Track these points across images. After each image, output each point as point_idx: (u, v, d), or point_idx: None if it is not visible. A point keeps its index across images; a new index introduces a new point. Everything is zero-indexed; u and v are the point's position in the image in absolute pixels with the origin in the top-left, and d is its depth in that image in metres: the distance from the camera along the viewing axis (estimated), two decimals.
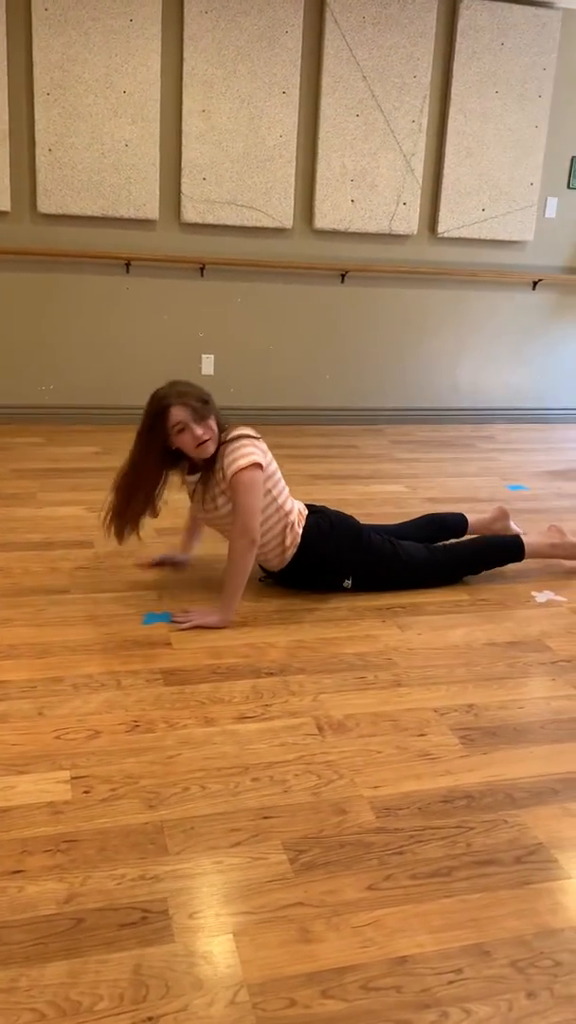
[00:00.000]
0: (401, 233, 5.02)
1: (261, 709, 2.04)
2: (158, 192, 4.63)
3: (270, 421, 5.11)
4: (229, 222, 4.75)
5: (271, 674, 2.21)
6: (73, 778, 1.74)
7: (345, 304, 5.13)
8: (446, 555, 2.80)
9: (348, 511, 3.49)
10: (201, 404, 2.44)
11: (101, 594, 2.63)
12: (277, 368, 5.12)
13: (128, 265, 4.70)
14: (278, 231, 4.88)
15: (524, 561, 2.89)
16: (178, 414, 2.40)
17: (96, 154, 4.48)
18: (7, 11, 4.25)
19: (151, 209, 4.63)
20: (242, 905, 1.45)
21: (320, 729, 1.97)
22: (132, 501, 2.47)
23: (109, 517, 2.50)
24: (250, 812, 1.67)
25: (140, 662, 2.23)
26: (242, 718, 2.00)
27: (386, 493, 3.84)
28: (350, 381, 5.26)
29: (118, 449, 4.25)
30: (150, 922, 1.40)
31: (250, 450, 2.46)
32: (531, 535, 2.95)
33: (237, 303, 4.95)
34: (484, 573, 2.88)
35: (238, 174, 4.69)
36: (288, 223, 4.84)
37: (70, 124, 4.42)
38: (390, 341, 5.26)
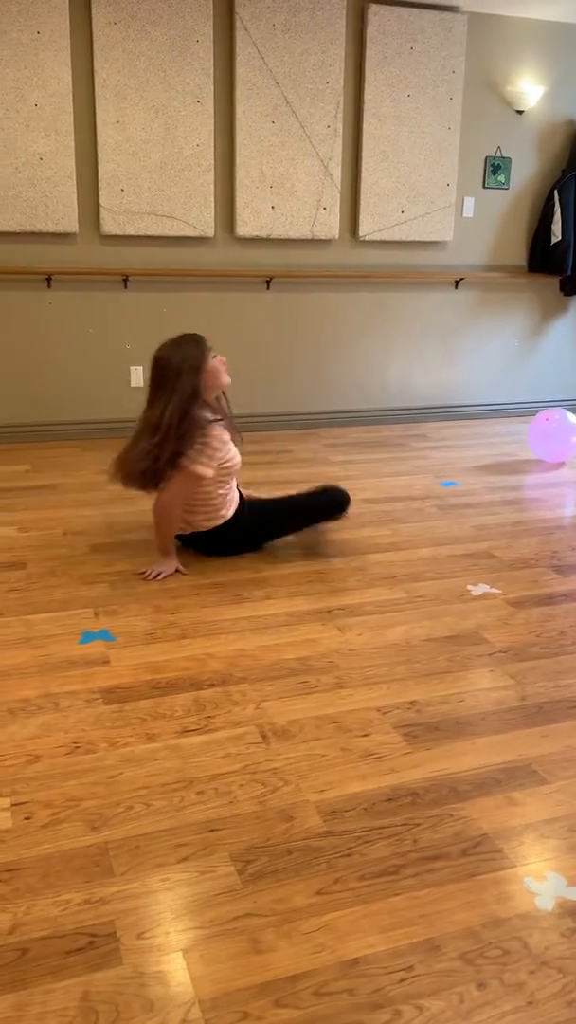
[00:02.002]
0: (323, 238, 5.06)
1: (204, 721, 2.02)
2: (76, 205, 4.57)
3: None
4: (150, 232, 4.72)
5: (213, 685, 2.19)
6: (13, 805, 1.70)
7: (271, 310, 5.14)
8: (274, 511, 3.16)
9: None
10: None
11: (35, 615, 2.58)
12: None
13: (49, 280, 4.63)
14: (200, 240, 4.87)
15: (455, 556, 3.01)
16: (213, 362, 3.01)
17: (10, 168, 4.41)
18: None
19: (70, 222, 4.57)
20: (191, 921, 1.43)
21: (264, 737, 1.96)
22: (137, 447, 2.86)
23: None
24: (196, 826, 1.66)
25: (78, 682, 2.20)
26: (185, 732, 1.98)
27: None
28: (281, 387, 5.27)
29: (48, 467, 4.20)
30: (97, 946, 1.37)
31: (205, 461, 2.84)
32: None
33: (163, 313, 4.92)
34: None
35: (156, 184, 4.66)
36: (210, 231, 4.83)
37: None
38: (318, 345, 5.29)
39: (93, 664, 2.29)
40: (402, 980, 1.32)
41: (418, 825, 1.67)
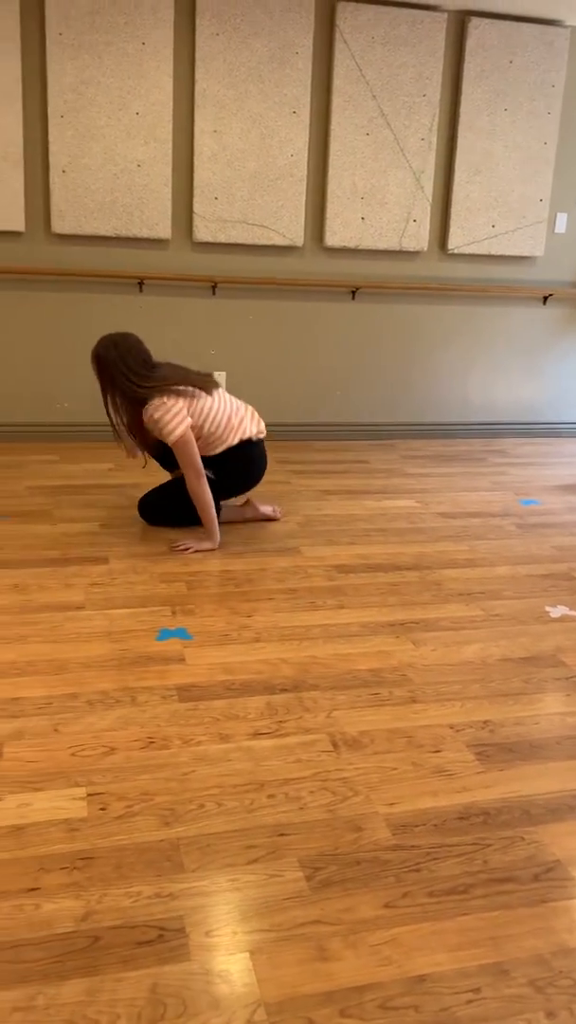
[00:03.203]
0: (411, 250, 5.05)
1: (275, 725, 2.04)
2: (170, 212, 4.67)
3: (280, 437, 5.13)
4: (240, 240, 4.79)
5: (285, 690, 2.21)
6: (89, 795, 1.74)
7: (355, 320, 5.15)
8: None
9: (360, 526, 3.54)
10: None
11: (115, 610, 2.64)
12: (287, 384, 5.15)
13: (141, 284, 4.73)
14: (289, 249, 4.92)
15: (533, 576, 2.95)
16: None
17: (109, 175, 4.53)
18: (23, 37, 4.31)
19: (163, 228, 4.67)
20: (259, 923, 1.44)
21: (335, 746, 1.96)
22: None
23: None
24: (266, 829, 1.67)
25: (154, 678, 2.24)
26: (257, 734, 2.00)
27: (397, 508, 3.84)
28: (360, 397, 5.28)
29: (131, 466, 4.29)
30: (167, 940, 1.40)
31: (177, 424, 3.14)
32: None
33: (248, 320, 4.98)
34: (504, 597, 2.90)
35: (249, 193, 4.73)
36: (299, 241, 4.87)
37: (83, 145, 4.47)
38: (400, 357, 5.28)
39: (169, 661, 2.33)
40: (469, 1002, 1.31)
41: (489, 846, 1.65)
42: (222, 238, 4.76)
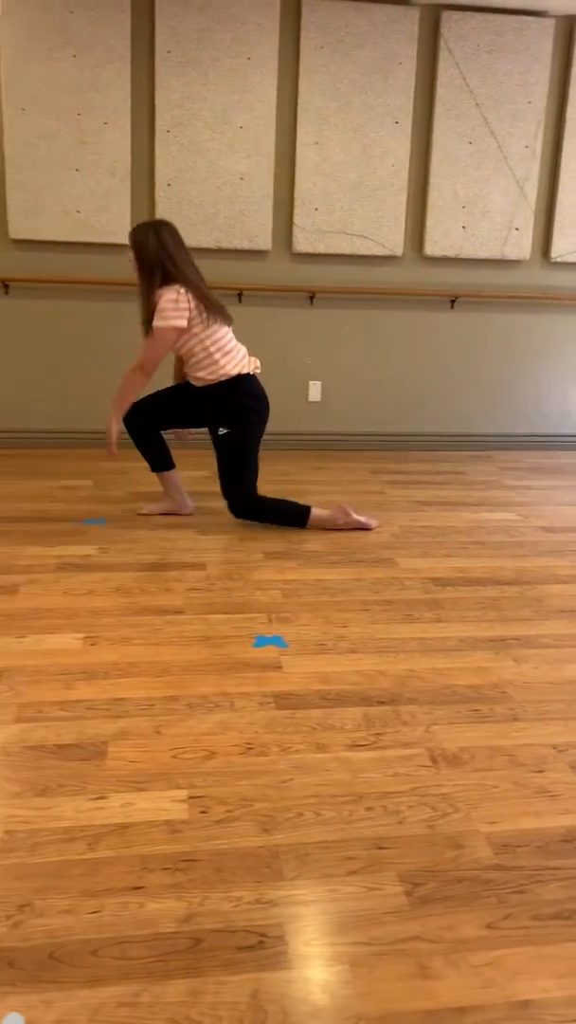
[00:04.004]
0: (513, 258, 4.97)
1: (373, 738, 2.03)
2: (271, 223, 4.73)
3: (375, 447, 5.11)
4: (339, 251, 4.81)
5: (382, 703, 2.20)
6: (190, 797, 1.77)
7: (454, 330, 5.10)
8: (257, 497, 3.52)
9: (457, 538, 3.49)
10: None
11: (213, 615, 2.68)
12: (384, 394, 5.13)
13: (240, 295, 4.80)
14: (388, 258, 4.91)
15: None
16: None
17: (212, 188, 4.61)
18: (132, 55, 4.45)
19: (263, 240, 4.73)
20: (358, 935, 1.43)
21: (434, 761, 1.94)
22: None
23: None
24: (365, 841, 1.66)
25: (252, 684, 2.26)
26: (354, 746, 1.99)
27: (496, 521, 3.78)
28: (457, 407, 5.22)
29: None
30: (267, 947, 1.40)
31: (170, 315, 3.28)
32: (318, 509, 3.56)
33: (345, 330, 4.99)
34: None
35: (349, 204, 4.74)
36: (398, 250, 4.86)
37: (188, 159, 4.57)
38: (499, 366, 5.20)
39: (266, 668, 2.35)
40: None
41: None
42: (321, 248, 4.79)
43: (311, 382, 5.05)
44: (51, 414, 4.90)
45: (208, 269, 4.76)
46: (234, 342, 3.45)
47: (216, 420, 3.46)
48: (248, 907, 1.49)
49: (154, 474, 3.69)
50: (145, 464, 3.71)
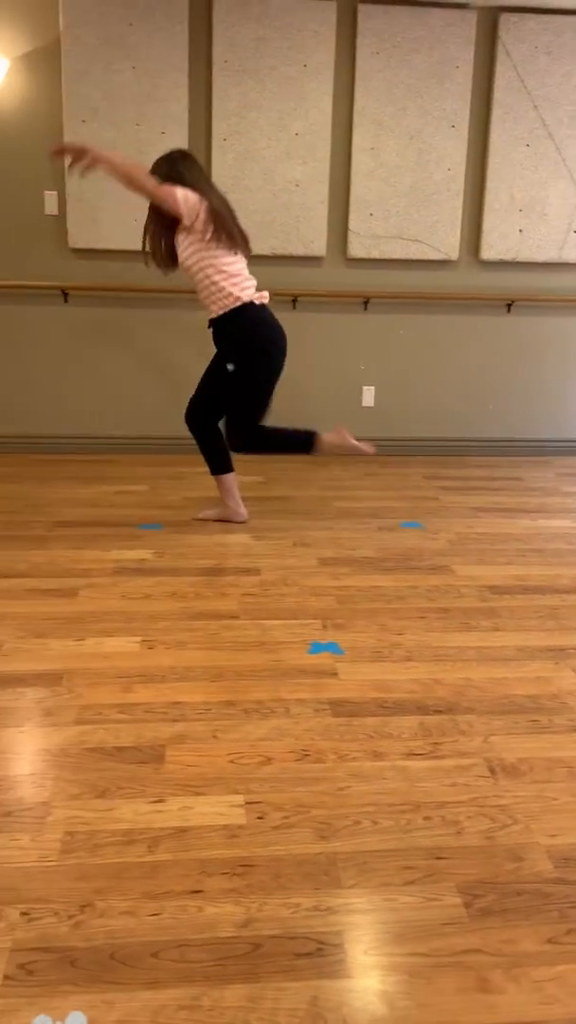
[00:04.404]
0: (571, 261, 4.90)
1: (430, 747, 2.01)
2: (326, 229, 4.73)
3: (430, 452, 5.08)
4: (394, 256, 4.79)
5: (439, 712, 2.18)
6: (247, 803, 1.78)
7: (510, 334, 5.04)
8: (259, 429, 3.49)
9: (514, 546, 3.45)
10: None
11: (268, 621, 2.69)
12: (438, 399, 5.09)
13: (295, 301, 4.82)
14: (443, 263, 4.88)
15: None
16: None
17: (268, 195, 4.64)
18: (190, 66, 4.50)
19: (319, 246, 4.73)
20: (417, 946, 1.43)
21: (492, 771, 1.92)
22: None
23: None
24: (423, 851, 1.65)
25: (307, 691, 2.26)
26: (411, 755, 1.98)
27: (555, 528, 3.72)
28: (514, 412, 5.16)
29: (281, 480, 4.36)
30: (325, 954, 1.40)
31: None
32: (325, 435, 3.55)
33: (399, 335, 4.97)
34: None
35: (404, 209, 4.73)
36: (454, 255, 4.82)
37: (244, 167, 4.61)
38: (557, 371, 5.12)
39: (322, 675, 2.35)
40: None
41: None
42: (375, 254, 4.78)
43: (364, 387, 5.04)
44: (106, 420, 4.97)
45: (264, 276, 4.78)
46: (242, 270, 3.37)
47: (224, 355, 3.44)
48: (307, 914, 1.49)
49: (212, 478, 3.71)
50: (200, 470, 3.74)
